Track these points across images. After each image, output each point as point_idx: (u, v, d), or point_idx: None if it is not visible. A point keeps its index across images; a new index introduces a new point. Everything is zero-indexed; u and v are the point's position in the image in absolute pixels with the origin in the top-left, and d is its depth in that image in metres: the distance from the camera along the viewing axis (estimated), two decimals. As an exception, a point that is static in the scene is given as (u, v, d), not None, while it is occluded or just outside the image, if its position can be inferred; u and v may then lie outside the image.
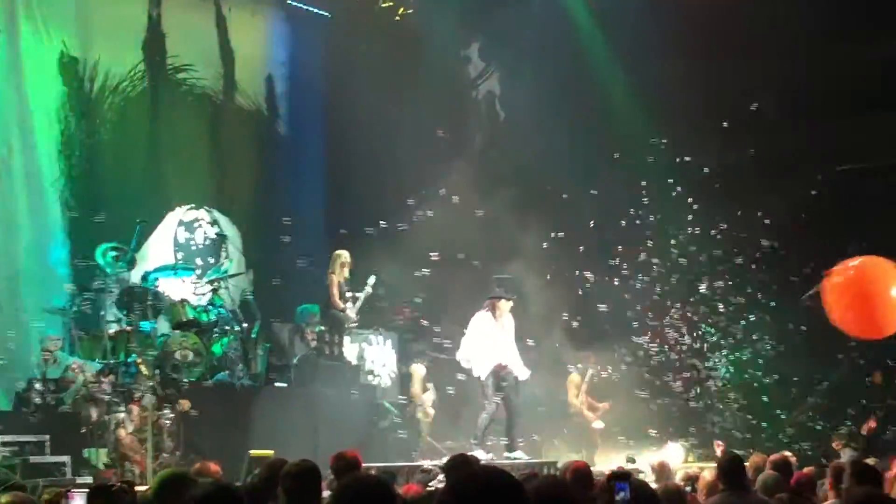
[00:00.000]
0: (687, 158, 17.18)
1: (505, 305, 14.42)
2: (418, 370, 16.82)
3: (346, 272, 16.28)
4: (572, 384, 17.25)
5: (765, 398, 17.38)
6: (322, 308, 16.31)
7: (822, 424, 16.91)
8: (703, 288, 17.46)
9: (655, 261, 17.40)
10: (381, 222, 16.73)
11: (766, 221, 16.81)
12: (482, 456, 12.99)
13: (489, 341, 14.27)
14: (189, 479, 6.65)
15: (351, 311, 16.31)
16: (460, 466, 7.91)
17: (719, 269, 17.39)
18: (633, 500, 6.94)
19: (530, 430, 15.96)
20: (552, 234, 17.08)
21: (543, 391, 16.93)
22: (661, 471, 11.12)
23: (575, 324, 17.11)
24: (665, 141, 17.25)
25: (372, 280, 16.43)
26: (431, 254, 16.32)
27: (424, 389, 16.80)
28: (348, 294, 16.30)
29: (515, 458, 13.88)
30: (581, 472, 8.16)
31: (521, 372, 14.46)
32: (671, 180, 17.17)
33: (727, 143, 17.23)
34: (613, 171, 17.57)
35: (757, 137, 17.26)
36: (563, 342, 17.11)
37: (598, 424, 16.97)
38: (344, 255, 16.26)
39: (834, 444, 14.82)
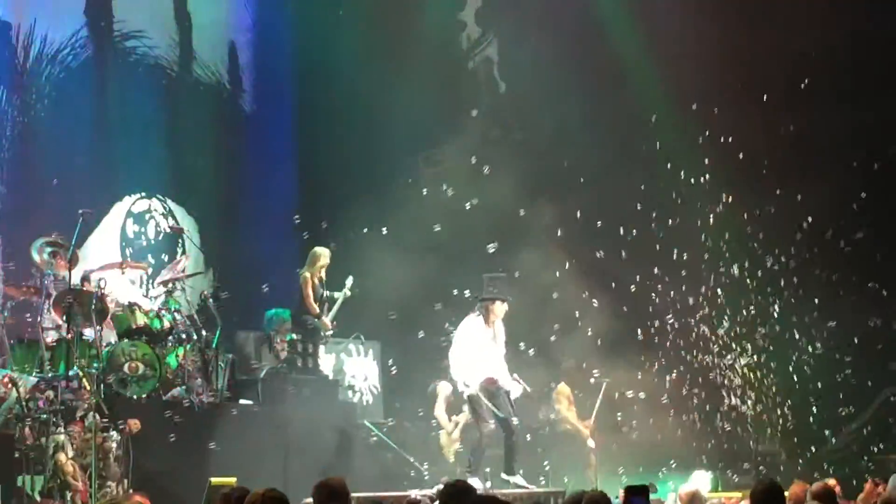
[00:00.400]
0: (729, 139, 17.17)
1: (500, 309, 14.28)
2: (443, 389, 16.61)
3: (322, 273, 16.27)
4: (562, 395, 17.13)
5: (814, 411, 17.36)
6: (294, 313, 16.27)
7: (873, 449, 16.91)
8: (735, 275, 17.43)
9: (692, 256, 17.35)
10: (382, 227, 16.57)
11: (808, 214, 16.83)
12: (478, 485, 12.96)
13: (480, 352, 14.16)
14: None
15: (327, 318, 16.29)
16: (458, 496, 7.93)
17: (763, 261, 17.38)
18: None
19: (535, 454, 15.94)
20: (576, 217, 17.04)
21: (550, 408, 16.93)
22: (692, 502, 11.15)
23: (590, 330, 17.06)
24: (695, 107, 17.21)
25: (350, 281, 16.43)
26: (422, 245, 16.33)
27: (458, 411, 16.66)
28: (325, 295, 16.31)
29: (516, 486, 13.84)
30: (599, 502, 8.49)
31: (513, 388, 14.37)
32: (706, 160, 17.15)
33: (768, 119, 17.23)
34: (634, 149, 17.55)
35: (801, 113, 17.26)
36: (576, 351, 17.07)
37: (591, 443, 16.90)
38: (324, 254, 16.27)
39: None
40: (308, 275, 16.18)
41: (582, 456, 16.81)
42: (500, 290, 14.32)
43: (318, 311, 16.23)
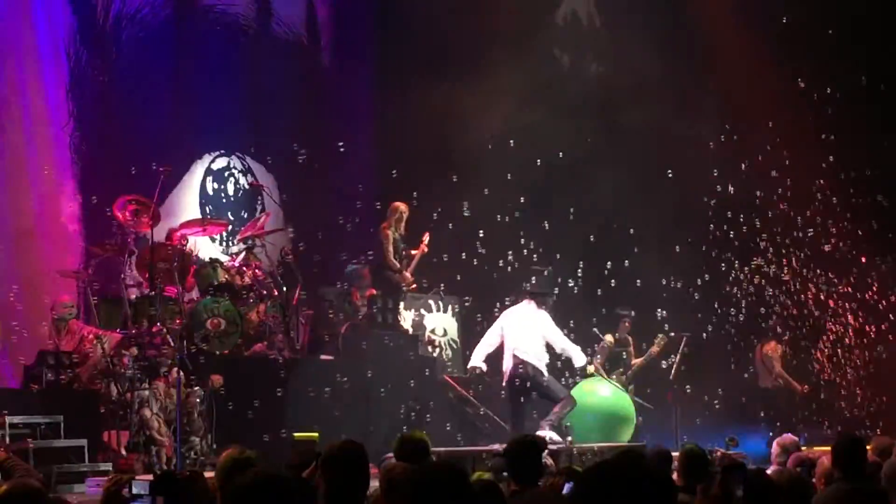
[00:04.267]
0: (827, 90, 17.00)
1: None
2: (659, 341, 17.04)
3: (402, 227, 16.37)
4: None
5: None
6: (374, 269, 16.40)
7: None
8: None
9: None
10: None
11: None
12: (556, 438, 13.22)
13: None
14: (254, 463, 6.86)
15: (407, 272, 16.40)
16: (524, 450, 8.21)
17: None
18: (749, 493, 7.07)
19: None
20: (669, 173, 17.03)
21: None
22: (789, 450, 11.10)
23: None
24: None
25: (426, 238, 16.55)
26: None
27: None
28: (404, 252, 16.41)
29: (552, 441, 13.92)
30: (661, 455, 8.98)
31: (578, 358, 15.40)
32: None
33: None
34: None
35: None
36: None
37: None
38: (402, 207, 16.34)
39: None
40: (388, 231, 16.28)
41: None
42: (550, 285, 15.50)
43: (398, 265, 16.33)
